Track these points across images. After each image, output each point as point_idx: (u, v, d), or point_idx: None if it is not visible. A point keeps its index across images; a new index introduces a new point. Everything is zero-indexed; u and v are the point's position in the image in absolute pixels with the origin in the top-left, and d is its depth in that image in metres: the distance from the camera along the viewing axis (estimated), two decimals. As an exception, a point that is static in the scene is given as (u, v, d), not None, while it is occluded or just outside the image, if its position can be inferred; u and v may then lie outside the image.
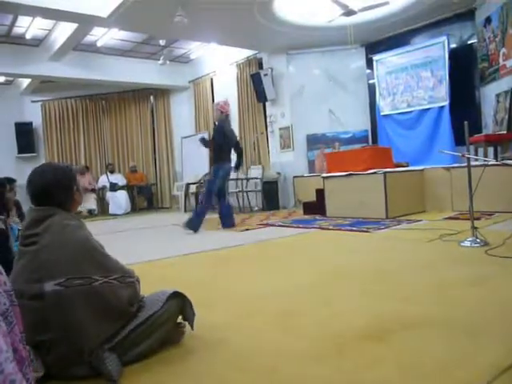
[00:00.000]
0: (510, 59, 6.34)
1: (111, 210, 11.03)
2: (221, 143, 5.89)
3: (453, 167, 6.19)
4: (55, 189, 1.73)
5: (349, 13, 6.99)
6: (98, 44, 9.57)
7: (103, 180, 11.48)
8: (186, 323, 1.93)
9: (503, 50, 6.51)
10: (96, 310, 1.61)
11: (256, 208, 9.32)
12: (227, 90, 10.60)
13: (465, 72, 7.56)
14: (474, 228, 3.70)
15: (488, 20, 6.89)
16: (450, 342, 1.72)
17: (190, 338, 1.93)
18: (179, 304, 1.88)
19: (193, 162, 11.19)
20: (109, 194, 11.20)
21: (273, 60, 9.49)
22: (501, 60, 6.61)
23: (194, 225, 5.76)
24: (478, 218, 4.74)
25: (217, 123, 6.11)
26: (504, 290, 2.37)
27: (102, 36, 9.14)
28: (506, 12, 6.34)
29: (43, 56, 9.41)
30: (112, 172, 11.66)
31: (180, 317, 1.92)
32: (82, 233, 1.70)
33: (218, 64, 10.79)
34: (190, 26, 7.14)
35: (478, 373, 1.44)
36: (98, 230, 7.00)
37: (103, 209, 11.39)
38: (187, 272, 3.52)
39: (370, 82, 9.10)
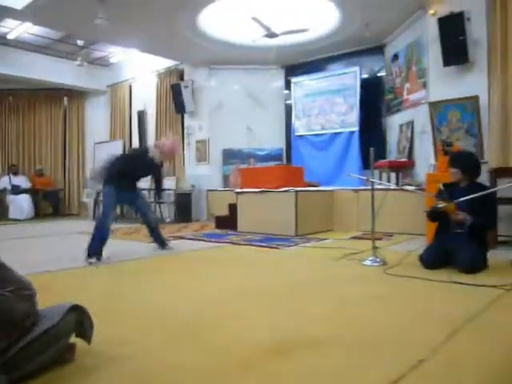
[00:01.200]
0: (413, 94, 6.90)
1: (11, 214, 10.27)
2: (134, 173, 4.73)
3: (359, 189, 6.56)
4: None
5: (271, 35, 7.25)
6: (9, 36, 8.98)
7: (4, 182, 10.67)
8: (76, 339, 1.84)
9: (407, 85, 7.08)
10: None
11: (168, 220, 9.17)
12: (146, 98, 10.44)
13: (373, 101, 8.11)
14: (375, 248, 3.94)
15: (396, 56, 7.47)
16: (348, 356, 1.82)
17: (91, 355, 1.83)
18: (78, 318, 1.80)
19: (105, 169, 10.78)
20: (10, 198, 10.43)
21: (194, 72, 9.51)
22: (405, 94, 7.17)
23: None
24: (379, 239, 5.06)
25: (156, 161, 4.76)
26: (399, 307, 2.54)
27: (15, 29, 8.60)
28: (411, 51, 6.92)
29: None
30: (15, 174, 10.89)
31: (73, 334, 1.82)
32: None
33: (139, 71, 10.59)
34: (111, 29, 6.95)
35: (371, 385, 1.53)
36: (-6, 236, 6.51)
37: (2, 213, 10.57)
38: (90, 284, 3.37)
39: (288, 102, 9.42)
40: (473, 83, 5.55)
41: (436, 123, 5.87)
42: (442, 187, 3.68)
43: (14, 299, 1.59)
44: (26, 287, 1.68)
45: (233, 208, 7.00)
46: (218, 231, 6.93)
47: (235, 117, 9.29)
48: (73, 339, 1.82)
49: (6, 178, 10.74)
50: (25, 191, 10.60)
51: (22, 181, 10.85)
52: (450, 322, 2.20)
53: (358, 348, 1.91)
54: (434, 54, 5.99)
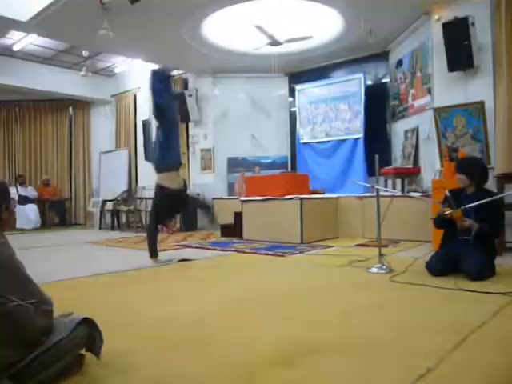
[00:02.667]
0: (418, 100, 6.87)
1: (19, 224, 10.31)
2: None
3: (365, 197, 6.52)
4: None
5: (274, 43, 7.26)
6: (15, 48, 9.06)
7: (12, 192, 10.69)
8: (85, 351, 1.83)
9: (412, 91, 7.05)
10: (5, 333, 1.51)
11: (174, 228, 9.16)
12: (151, 107, 10.46)
13: (378, 108, 8.07)
14: (381, 255, 3.90)
15: (400, 62, 7.45)
16: (355, 364, 1.79)
17: (96, 366, 1.82)
18: (88, 332, 1.79)
19: (111, 179, 10.84)
20: (17, 208, 10.48)
21: (199, 81, 9.53)
22: (410, 100, 7.15)
23: None
24: (385, 246, 5.02)
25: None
26: (406, 315, 2.51)
27: (20, 40, 8.67)
28: (415, 57, 6.90)
29: (-50, 55, 8.75)
30: (22, 184, 10.94)
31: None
32: (5, 251, 1.64)
33: (143, 80, 10.61)
34: (116, 40, 6.97)
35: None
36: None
37: (8, 223, 10.61)
38: (95, 293, 3.36)
39: (292, 109, 9.41)
40: (478, 88, 5.52)
41: (441, 129, 5.83)
42: (447, 193, 3.64)
43: (34, 312, 1.60)
44: (47, 302, 1.69)
45: (238, 216, 6.98)
46: (223, 239, 6.90)
47: (240, 125, 9.29)
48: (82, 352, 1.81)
49: (13, 189, 10.78)
50: (32, 201, 10.65)
51: (28, 191, 10.90)
52: (457, 329, 2.16)
53: (365, 356, 1.88)
54: (438, 59, 5.97)
